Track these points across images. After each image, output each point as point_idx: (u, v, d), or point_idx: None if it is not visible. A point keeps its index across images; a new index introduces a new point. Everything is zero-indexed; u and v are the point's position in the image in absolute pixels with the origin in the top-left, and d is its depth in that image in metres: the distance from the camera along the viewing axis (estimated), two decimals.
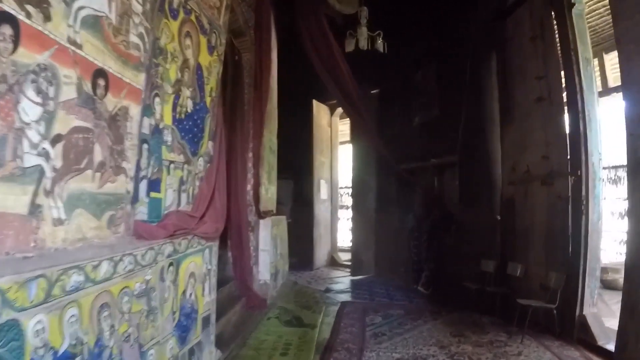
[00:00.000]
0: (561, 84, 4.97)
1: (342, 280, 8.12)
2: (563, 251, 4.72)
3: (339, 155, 10.51)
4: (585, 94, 4.67)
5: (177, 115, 3.24)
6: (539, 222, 5.15)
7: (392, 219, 8.01)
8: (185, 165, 3.38)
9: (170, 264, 2.87)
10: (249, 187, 6.10)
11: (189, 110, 3.41)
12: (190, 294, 3.20)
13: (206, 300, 3.52)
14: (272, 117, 7.20)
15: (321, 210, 9.46)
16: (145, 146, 2.83)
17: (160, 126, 3.01)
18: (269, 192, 7.13)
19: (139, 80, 2.70)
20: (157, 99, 2.96)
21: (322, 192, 9.56)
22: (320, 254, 9.44)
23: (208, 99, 3.74)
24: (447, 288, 6.47)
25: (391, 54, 8.11)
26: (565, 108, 4.85)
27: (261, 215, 6.17)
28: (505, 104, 6.03)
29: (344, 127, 10.69)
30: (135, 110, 2.67)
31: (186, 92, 3.36)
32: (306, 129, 9.16)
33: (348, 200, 10.23)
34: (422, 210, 7.52)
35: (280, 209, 9.20)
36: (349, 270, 8.71)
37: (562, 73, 4.97)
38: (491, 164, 6.28)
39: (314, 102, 9.18)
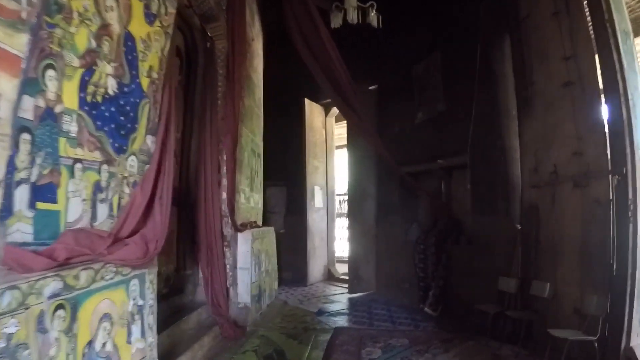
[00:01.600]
0: (594, 63, 4.07)
1: (339, 299, 7.21)
2: (604, 268, 3.79)
3: (335, 160, 9.63)
4: (626, 73, 3.77)
5: (89, 98, 2.39)
6: (570, 232, 4.23)
7: (395, 229, 7.11)
8: (105, 166, 2.54)
9: (59, 307, 1.99)
10: (223, 194, 5.24)
11: (111, 93, 2.58)
12: (104, 345, 2.32)
13: (136, 349, 2.65)
14: (254, 115, 6.37)
15: (315, 220, 8.59)
16: (25, 137, 1.98)
17: (57, 110, 2.17)
18: (252, 201, 6.28)
19: (15, 42, 1.87)
20: (50, 72, 2.12)
21: (317, 199, 8.70)
22: (316, 268, 8.55)
23: (145, 80, 2.90)
24: (459, 309, 5.56)
25: (389, 44, 7.33)
26: (602, 92, 3.96)
27: (238, 227, 5.29)
28: (523, 92, 5.14)
29: (341, 130, 9.85)
30: (7, 85, 1.83)
31: (106, 68, 2.51)
32: (298, 131, 8.32)
33: (345, 208, 9.35)
34: (428, 219, 6.63)
35: (272, 219, 8.43)
36: (347, 285, 7.78)
37: (595, 51, 4.08)
38: (508, 164, 5.37)
39: (306, 101, 8.35)
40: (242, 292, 5.35)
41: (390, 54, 7.43)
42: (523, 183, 5.14)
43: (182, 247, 5.00)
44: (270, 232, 6.77)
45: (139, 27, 2.86)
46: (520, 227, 5.01)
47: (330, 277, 8.90)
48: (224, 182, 5.26)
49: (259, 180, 6.86)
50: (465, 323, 5.21)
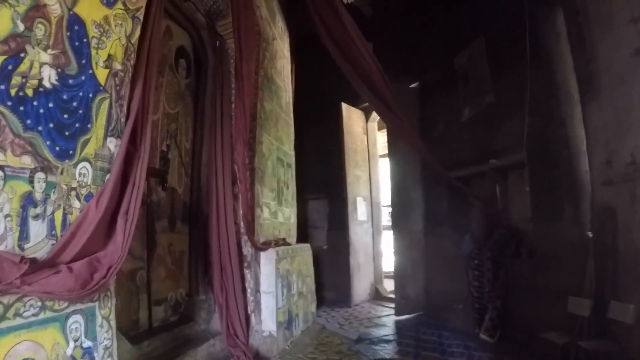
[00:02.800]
0: None
1: (384, 322, 6.50)
2: None
3: (379, 169, 8.97)
4: None
5: (14, 91, 2.03)
6: None
7: (444, 242, 6.31)
8: (40, 174, 2.17)
9: None
10: (242, 209, 4.80)
11: (48, 85, 2.21)
12: None
13: None
14: (279, 121, 5.96)
15: (359, 234, 7.95)
16: None
17: None
18: (280, 216, 5.82)
19: None
20: None
21: (360, 212, 8.08)
22: (361, 287, 7.88)
23: (101, 72, 2.53)
24: (520, 335, 4.68)
25: (427, 36, 6.70)
26: None
27: (259, 246, 4.82)
28: (584, 71, 4.28)
29: (385, 137, 9.19)
30: None
31: (40, 56, 2.15)
32: (336, 138, 7.81)
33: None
34: (482, 230, 5.78)
35: (315, 235, 8.00)
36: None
37: None
38: (574, 159, 4.49)
39: (343, 105, 7.83)
40: (267, 319, 4.84)
41: (429, 47, 6.76)
42: (593, 180, 4.23)
43: (195, 270, 4.60)
44: (305, 250, 6.26)
45: (90, 10, 2.48)
46: (591, 235, 4.09)
47: (377, 296, 8.19)
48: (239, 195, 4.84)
49: (291, 192, 6.41)
50: (529, 353, 4.34)
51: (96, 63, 2.53)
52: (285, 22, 6.64)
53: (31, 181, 2.12)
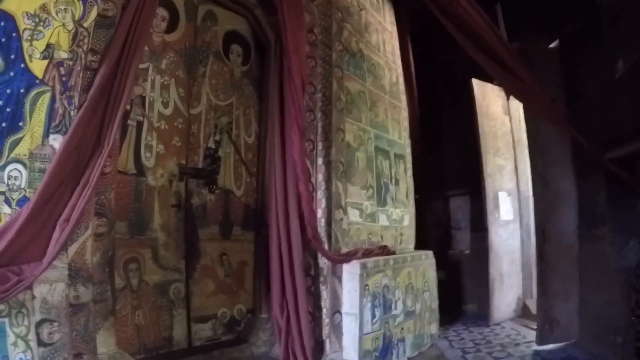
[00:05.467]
0: None
1: (521, 351, 5.14)
2: None
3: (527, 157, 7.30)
4: None
5: None
6: None
7: (602, 248, 4.64)
8: None
9: None
10: (318, 212, 4.29)
11: None
12: None
13: None
14: (375, 103, 5.24)
15: (502, 237, 6.54)
16: None
17: None
18: (384, 218, 5.11)
19: None
20: None
21: (503, 209, 6.65)
22: (503, 301, 6.46)
23: (37, 64, 2.39)
24: None
25: None
26: None
27: (335, 257, 4.19)
28: None
29: None
30: None
31: None
32: (467, 121, 6.62)
33: None
34: None
35: (457, 237, 7.41)
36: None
37: None
38: None
39: (474, 82, 6.56)
40: (348, 347, 4.16)
41: None
42: None
43: (259, 284, 4.25)
44: (421, 259, 5.35)
45: (20, 2, 2.38)
46: None
47: (525, 313, 6.63)
48: (320, 194, 4.32)
49: (403, 189, 5.58)
50: None
51: (30, 56, 2.40)
52: None
53: None
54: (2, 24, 2.30)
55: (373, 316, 4.30)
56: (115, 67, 2.66)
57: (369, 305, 4.26)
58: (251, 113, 4.46)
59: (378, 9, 5.64)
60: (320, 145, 4.38)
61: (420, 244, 5.87)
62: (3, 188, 2.26)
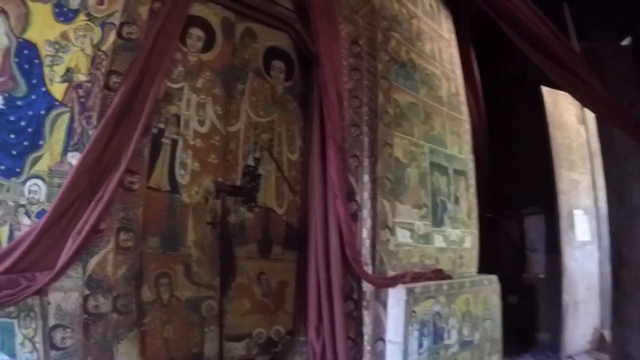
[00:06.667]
0: None
1: None
2: None
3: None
4: None
5: None
6: None
7: None
8: None
9: None
10: (364, 231, 4.15)
11: None
12: None
13: None
14: (430, 115, 5.05)
15: (578, 261, 5.86)
16: None
17: None
18: (440, 239, 4.86)
19: None
20: None
21: (579, 229, 5.98)
22: (578, 332, 5.76)
23: (57, 88, 2.64)
24: None
25: None
26: None
27: (378, 281, 4.01)
28: None
29: None
30: None
31: None
32: (539, 133, 6.10)
33: None
34: None
35: (532, 259, 6.93)
36: None
37: None
38: None
39: (544, 90, 6.05)
40: None
41: None
42: None
43: (299, 305, 4.17)
44: (482, 284, 4.98)
45: (43, 31, 2.61)
46: None
47: (602, 345, 5.84)
48: (365, 213, 4.18)
49: (464, 208, 5.27)
50: None
51: (50, 80, 2.61)
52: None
53: None
54: (26, 52, 2.54)
55: (420, 346, 4.04)
56: (136, 88, 2.80)
57: (415, 333, 4.01)
58: (295, 129, 4.44)
59: (432, 17, 5.43)
60: (366, 162, 4.25)
61: (490, 267, 5.48)
62: (23, 201, 2.48)
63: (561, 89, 5.95)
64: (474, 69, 6.22)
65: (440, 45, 5.46)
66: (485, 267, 5.44)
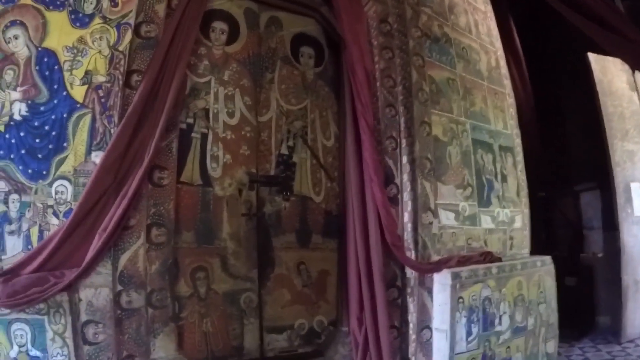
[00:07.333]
0: None
1: None
2: None
3: None
4: None
5: None
6: None
7: None
8: (14, 196, 2.54)
9: None
10: (405, 216, 4.02)
11: (18, 118, 2.56)
12: None
13: None
14: (470, 91, 4.81)
15: (638, 237, 5.46)
16: None
17: None
18: (487, 220, 4.63)
19: None
20: None
21: (637, 203, 5.54)
22: (639, 314, 5.33)
23: (77, 90, 2.74)
24: None
25: None
26: None
27: (420, 266, 3.87)
28: None
29: None
30: None
31: (11, 95, 2.57)
32: (587, 103, 5.69)
33: None
34: None
35: (589, 238, 6.54)
36: None
37: None
38: None
39: (591, 57, 5.62)
40: None
41: None
42: None
43: (341, 295, 4.10)
44: (536, 266, 4.70)
45: (61, 38, 2.73)
46: None
47: None
48: (405, 196, 4.05)
49: (512, 186, 4.98)
50: None
51: (70, 84, 2.72)
52: None
53: (6, 202, 2.49)
54: (46, 60, 2.67)
55: (469, 333, 3.88)
56: (156, 85, 2.82)
57: (463, 320, 3.85)
58: (328, 115, 4.35)
59: None
60: (403, 142, 4.12)
61: (544, 248, 5.20)
62: (51, 202, 2.60)
63: (609, 54, 5.53)
64: (515, 40, 5.88)
65: (476, 17, 5.16)
66: (540, 248, 5.16)
